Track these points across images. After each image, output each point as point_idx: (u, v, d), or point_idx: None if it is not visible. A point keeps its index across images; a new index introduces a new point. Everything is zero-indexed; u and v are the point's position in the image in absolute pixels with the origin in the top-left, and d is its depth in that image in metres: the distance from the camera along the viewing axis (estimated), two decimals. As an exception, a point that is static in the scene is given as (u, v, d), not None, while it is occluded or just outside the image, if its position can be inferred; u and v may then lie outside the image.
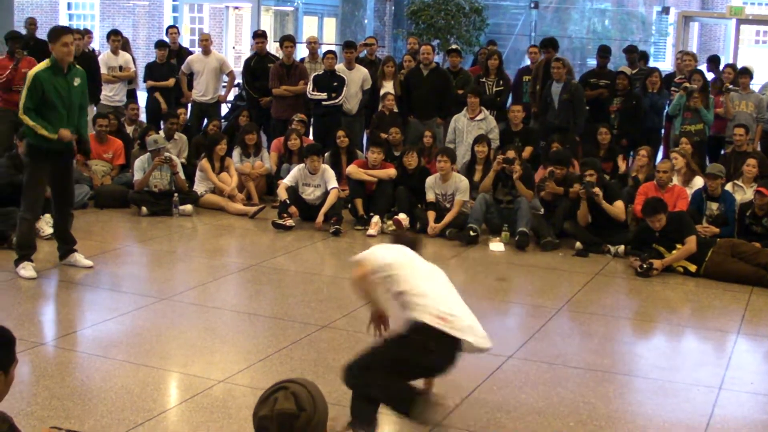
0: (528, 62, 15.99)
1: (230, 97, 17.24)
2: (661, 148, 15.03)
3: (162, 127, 14.63)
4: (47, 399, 6.26)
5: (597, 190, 11.11)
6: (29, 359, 7.02)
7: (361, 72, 14.78)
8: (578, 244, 11.23)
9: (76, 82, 9.23)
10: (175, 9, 32.32)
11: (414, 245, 6.19)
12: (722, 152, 14.00)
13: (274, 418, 3.29)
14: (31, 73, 9.05)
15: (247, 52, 18.83)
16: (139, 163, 12.80)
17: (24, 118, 9.02)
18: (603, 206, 11.13)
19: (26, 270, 9.23)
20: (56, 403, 6.19)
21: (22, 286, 9.07)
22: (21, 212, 9.43)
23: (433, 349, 5.60)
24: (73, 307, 8.89)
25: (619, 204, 11.26)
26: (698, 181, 11.90)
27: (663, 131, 14.92)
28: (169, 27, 18.03)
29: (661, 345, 8.50)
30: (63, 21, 30.51)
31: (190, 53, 16.61)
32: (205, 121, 15.48)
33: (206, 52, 15.53)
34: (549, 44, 14.97)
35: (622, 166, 12.87)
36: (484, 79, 14.76)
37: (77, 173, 11.11)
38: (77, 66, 9.41)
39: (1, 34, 15.41)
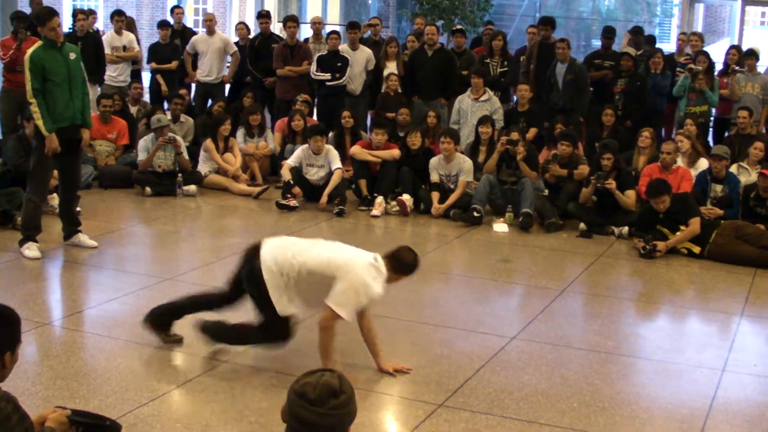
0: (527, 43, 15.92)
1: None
2: (663, 129, 15.02)
3: (166, 107, 14.61)
4: (51, 379, 6.27)
5: (611, 182, 11.10)
6: (33, 339, 7.03)
7: (365, 52, 14.76)
8: (582, 225, 11.23)
9: (72, 56, 9.26)
10: (179, -11, 32.29)
11: None
12: (726, 134, 13.97)
13: (318, 387, 3.35)
14: (27, 55, 9.08)
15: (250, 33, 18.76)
16: (143, 143, 12.80)
17: (32, 102, 9.03)
18: (616, 196, 11.12)
19: (31, 250, 9.25)
20: (60, 382, 6.21)
21: (27, 266, 9.08)
22: (27, 194, 9.45)
23: None
24: (78, 287, 8.91)
25: (631, 194, 11.24)
26: (703, 163, 11.89)
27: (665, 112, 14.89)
28: (174, 7, 18.00)
29: (664, 326, 8.51)
30: (67, 2, 30.43)
31: (195, 33, 16.58)
32: (210, 101, 15.49)
33: (210, 32, 15.51)
34: (548, 22, 14.91)
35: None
36: (488, 60, 14.75)
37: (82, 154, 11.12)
38: (68, 43, 9.45)
39: (7, 14, 15.41)
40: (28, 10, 15.70)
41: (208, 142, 13.15)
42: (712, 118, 14.35)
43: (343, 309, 6.27)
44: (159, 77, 15.77)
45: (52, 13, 9.31)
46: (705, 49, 14.95)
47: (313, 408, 3.33)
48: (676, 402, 6.39)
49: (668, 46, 27.94)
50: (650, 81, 14.31)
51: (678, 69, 14.46)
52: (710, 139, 14.30)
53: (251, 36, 16.17)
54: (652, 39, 16.41)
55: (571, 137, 12.02)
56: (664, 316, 8.81)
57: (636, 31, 16.01)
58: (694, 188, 11.29)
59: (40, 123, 9.02)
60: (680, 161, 11.83)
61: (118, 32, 15.44)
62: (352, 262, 6.40)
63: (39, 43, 9.19)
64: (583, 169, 11.62)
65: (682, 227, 10.35)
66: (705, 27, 30.28)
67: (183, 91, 14.99)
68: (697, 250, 10.31)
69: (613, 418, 6.05)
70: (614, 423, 6.00)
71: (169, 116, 13.79)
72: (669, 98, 14.44)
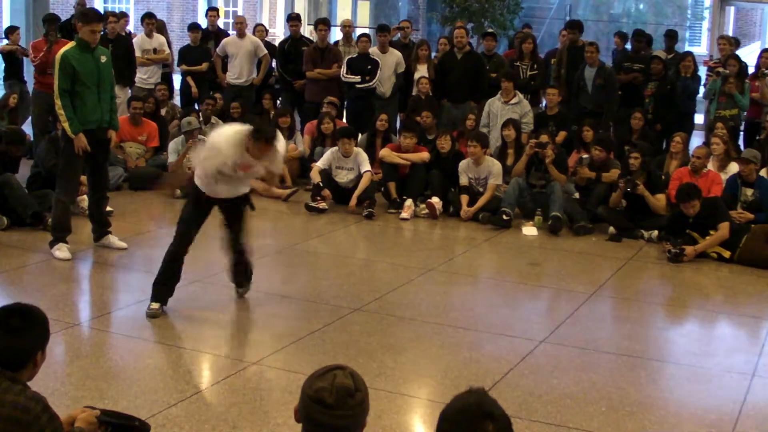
0: (558, 46, 15.92)
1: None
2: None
3: (198, 109, 14.64)
4: (81, 379, 6.30)
5: (641, 188, 11.08)
6: (63, 340, 7.07)
7: (395, 55, 14.75)
8: (611, 229, 11.19)
9: (103, 59, 9.32)
10: (209, -9, 32.43)
11: None
12: (757, 137, 13.89)
13: (333, 391, 3.31)
14: (59, 54, 9.14)
15: (280, 35, 18.88)
16: (174, 145, 12.85)
17: (57, 103, 9.10)
18: (646, 197, 11.06)
19: (61, 251, 9.31)
20: (90, 383, 6.24)
21: (57, 267, 9.13)
22: (56, 194, 9.52)
23: None
24: (107, 288, 8.95)
25: (661, 198, 11.18)
26: (733, 167, 11.79)
27: (703, 115, 14.79)
28: (209, 9, 18.05)
29: (694, 331, 8.47)
30: (99, 4, 30.61)
31: (228, 36, 16.63)
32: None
33: (241, 35, 15.53)
34: (575, 26, 14.91)
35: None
36: (518, 63, 14.72)
37: (112, 155, 11.17)
38: (100, 46, 9.51)
39: (39, 16, 15.54)
40: (62, 14, 15.86)
41: (238, 145, 13.15)
42: (743, 122, 14.25)
43: (197, 164, 7.70)
44: (189, 79, 15.83)
45: (99, 17, 9.47)
46: (736, 52, 14.85)
47: (332, 412, 3.31)
48: (705, 407, 6.36)
49: (699, 49, 27.85)
50: (680, 84, 14.25)
51: (707, 73, 14.39)
52: (741, 142, 14.20)
53: (277, 39, 16.24)
54: (650, 39, 16.33)
55: (605, 142, 11.97)
56: (693, 321, 8.77)
57: (671, 35, 15.93)
58: (724, 192, 11.22)
59: (66, 125, 9.09)
60: (711, 165, 11.77)
61: (149, 35, 15.50)
62: (219, 132, 7.55)
63: (72, 43, 9.24)
64: (614, 172, 11.57)
65: (712, 231, 10.30)
66: (736, 30, 30.18)
67: (218, 95, 15.04)
68: (727, 254, 10.25)
69: (642, 423, 6.03)
70: (643, 427, 5.98)
71: (200, 118, 13.88)
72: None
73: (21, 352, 3.91)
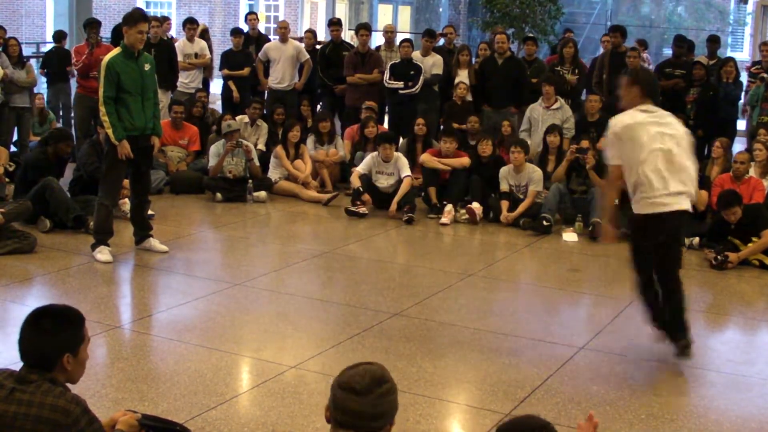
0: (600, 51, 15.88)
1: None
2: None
3: (245, 113, 14.61)
4: (122, 381, 6.34)
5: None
6: (104, 342, 7.12)
7: (434, 57, 14.74)
8: (652, 235, 11.12)
9: (147, 67, 9.37)
10: (250, -3, 32.58)
11: None
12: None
13: (364, 377, 3.42)
14: (104, 61, 9.19)
15: (321, 40, 18.91)
16: (214, 148, 12.90)
17: (102, 110, 9.16)
18: None
19: (103, 254, 9.37)
20: (131, 385, 6.28)
21: (99, 269, 9.19)
22: (99, 198, 9.58)
23: None
24: (148, 291, 9.00)
25: (703, 194, 11.11)
26: (777, 173, 11.73)
27: (745, 121, 14.69)
28: (249, 13, 18.06)
29: (735, 339, 8.42)
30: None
31: (270, 40, 16.65)
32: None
33: (284, 39, 15.53)
34: (617, 30, 14.84)
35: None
36: (559, 68, 14.67)
37: (153, 159, 11.24)
38: (145, 52, 9.55)
39: (82, 21, 15.66)
40: (105, 18, 16.00)
41: (279, 149, 13.22)
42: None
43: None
44: (231, 84, 15.86)
45: (145, 18, 9.51)
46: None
47: (361, 399, 3.37)
48: (746, 416, 6.32)
49: (741, 55, 27.66)
50: (721, 90, 14.14)
51: (749, 79, 14.28)
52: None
53: (318, 43, 16.26)
54: (691, 45, 16.22)
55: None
56: (734, 328, 8.71)
57: (713, 40, 15.81)
58: (767, 199, 11.15)
59: (110, 132, 9.16)
60: (752, 171, 11.69)
61: (190, 40, 15.54)
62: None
63: (117, 50, 9.30)
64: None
65: (754, 238, 10.23)
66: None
67: (261, 100, 15.08)
68: (769, 261, 10.19)
69: (682, 431, 6.00)
70: (683, 435, 5.95)
71: (245, 119, 13.94)
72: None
73: (46, 353, 3.91)
